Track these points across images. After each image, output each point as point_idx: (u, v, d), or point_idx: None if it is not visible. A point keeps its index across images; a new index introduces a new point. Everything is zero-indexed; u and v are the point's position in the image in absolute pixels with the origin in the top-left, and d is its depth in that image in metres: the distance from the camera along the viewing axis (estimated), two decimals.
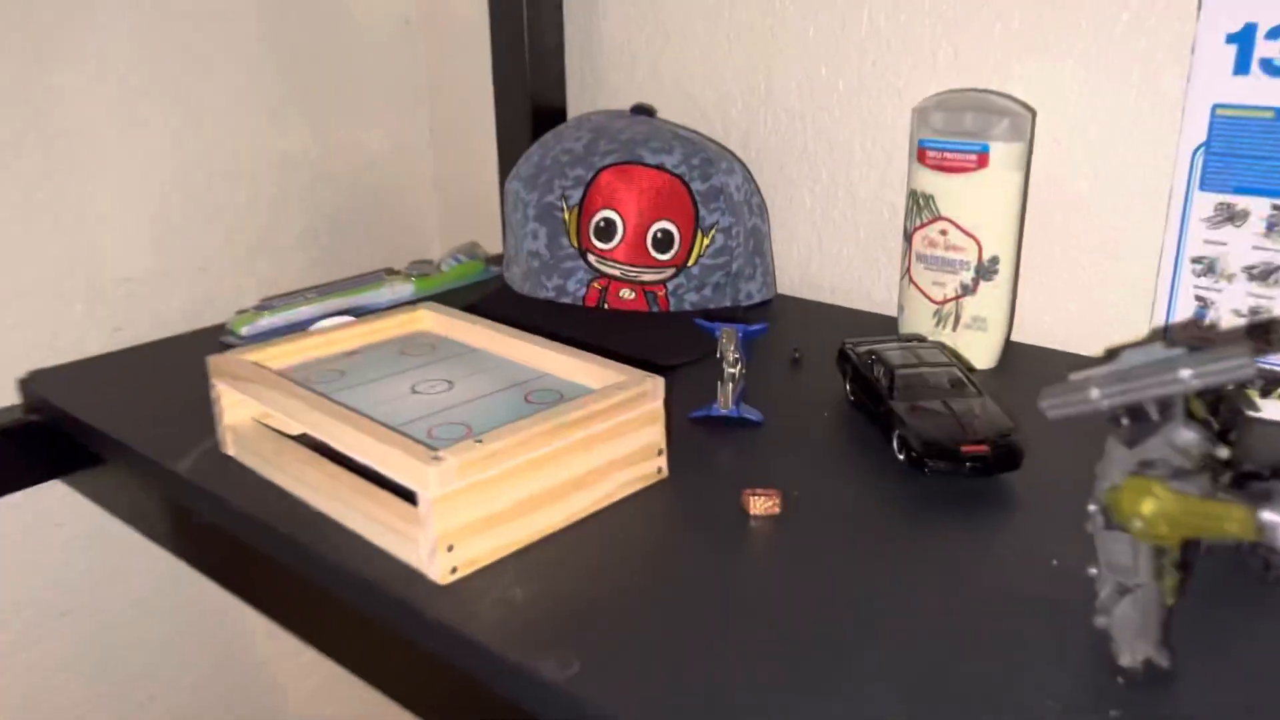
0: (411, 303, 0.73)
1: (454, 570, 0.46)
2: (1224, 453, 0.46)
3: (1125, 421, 0.36)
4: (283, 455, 0.54)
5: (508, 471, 0.47)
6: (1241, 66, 0.57)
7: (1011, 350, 0.72)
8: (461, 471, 0.45)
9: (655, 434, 0.54)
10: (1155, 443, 0.36)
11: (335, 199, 0.98)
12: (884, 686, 0.38)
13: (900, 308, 0.73)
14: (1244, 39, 0.57)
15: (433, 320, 0.66)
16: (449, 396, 0.55)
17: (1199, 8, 0.58)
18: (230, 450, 0.59)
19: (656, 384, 0.54)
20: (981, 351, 0.70)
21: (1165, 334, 0.63)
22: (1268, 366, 0.60)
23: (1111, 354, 0.37)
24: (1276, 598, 0.42)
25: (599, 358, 0.57)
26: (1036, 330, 0.75)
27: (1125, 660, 0.39)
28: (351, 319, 0.64)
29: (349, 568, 0.48)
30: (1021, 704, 0.37)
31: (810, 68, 0.82)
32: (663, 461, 0.55)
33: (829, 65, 0.81)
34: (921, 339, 0.63)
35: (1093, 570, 0.39)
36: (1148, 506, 0.34)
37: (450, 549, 0.46)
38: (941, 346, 0.62)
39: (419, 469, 0.45)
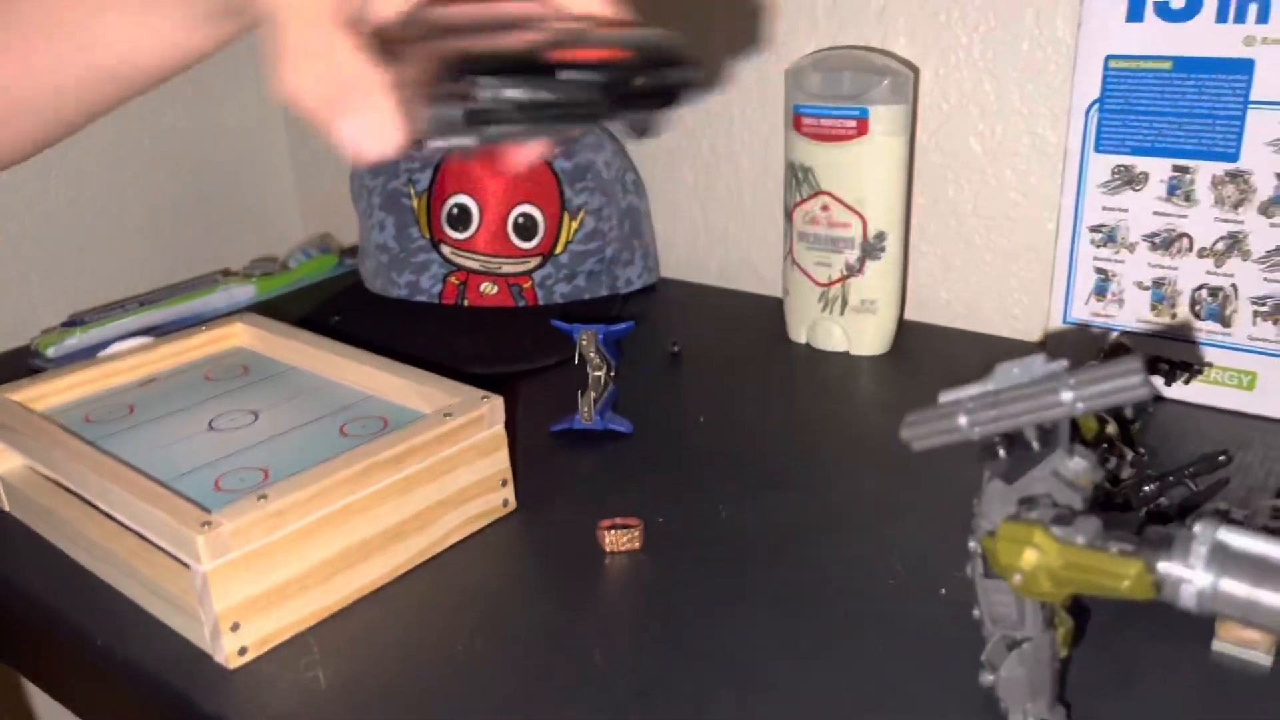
0: (260, 313, 0.64)
1: (242, 651, 0.39)
2: (1128, 457, 0.40)
3: (1002, 452, 0.30)
4: (58, 512, 0.46)
5: (303, 530, 0.40)
6: (1135, 13, 0.52)
7: (906, 330, 0.66)
8: (238, 537, 0.37)
9: (497, 463, 0.47)
10: (1038, 474, 0.30)
11: (175, 187, 0.88)
12: None
13: (785, 291, 0.67)
14: None
15: (248, 335, 0.57)
16: (250, 432, 0.47)
17: None
18: (4, 505, 0.50)
19: (495, 405, 0.46)
20: (872, 336, 0.64)
21: (1044, 346, 0.57)
22: (1172, 356, 0.55)
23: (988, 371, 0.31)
24: (1176, 628, 0.37)
25: (433, 375, 0.49)
26: (933, 308, 0.69)
27: None
28: (148, 340, 0.56)
29: (124, 650, 0.40)
30: None
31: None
32: (508, 492, 0.48)
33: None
34: None
35: (976, 613, 0.34)
36: (1028, 560, 0.29)
37: (235, 628, 0.38)
38: None
39: (187, 536, 0.37)
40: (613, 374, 0.55)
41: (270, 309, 0.73)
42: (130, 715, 0.42)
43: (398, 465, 0.43)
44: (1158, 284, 0.55)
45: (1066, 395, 0.28)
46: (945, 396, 0.31)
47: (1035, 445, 0.30)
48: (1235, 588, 0.26)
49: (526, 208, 0.70)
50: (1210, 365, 0.54)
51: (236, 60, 0.92)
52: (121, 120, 0.83)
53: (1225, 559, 0.26)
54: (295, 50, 0.27)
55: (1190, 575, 0.26)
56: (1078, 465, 0.30)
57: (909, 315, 0.68)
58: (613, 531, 0.45)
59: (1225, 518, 0.36)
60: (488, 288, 0.70)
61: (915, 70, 0.64)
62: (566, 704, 0.36)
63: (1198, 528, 0.27)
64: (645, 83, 0.28)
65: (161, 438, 0.47)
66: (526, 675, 0.37)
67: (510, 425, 0.48)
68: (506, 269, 0.71)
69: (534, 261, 0.71)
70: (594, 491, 0.49)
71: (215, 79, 0.90)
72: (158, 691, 0.39)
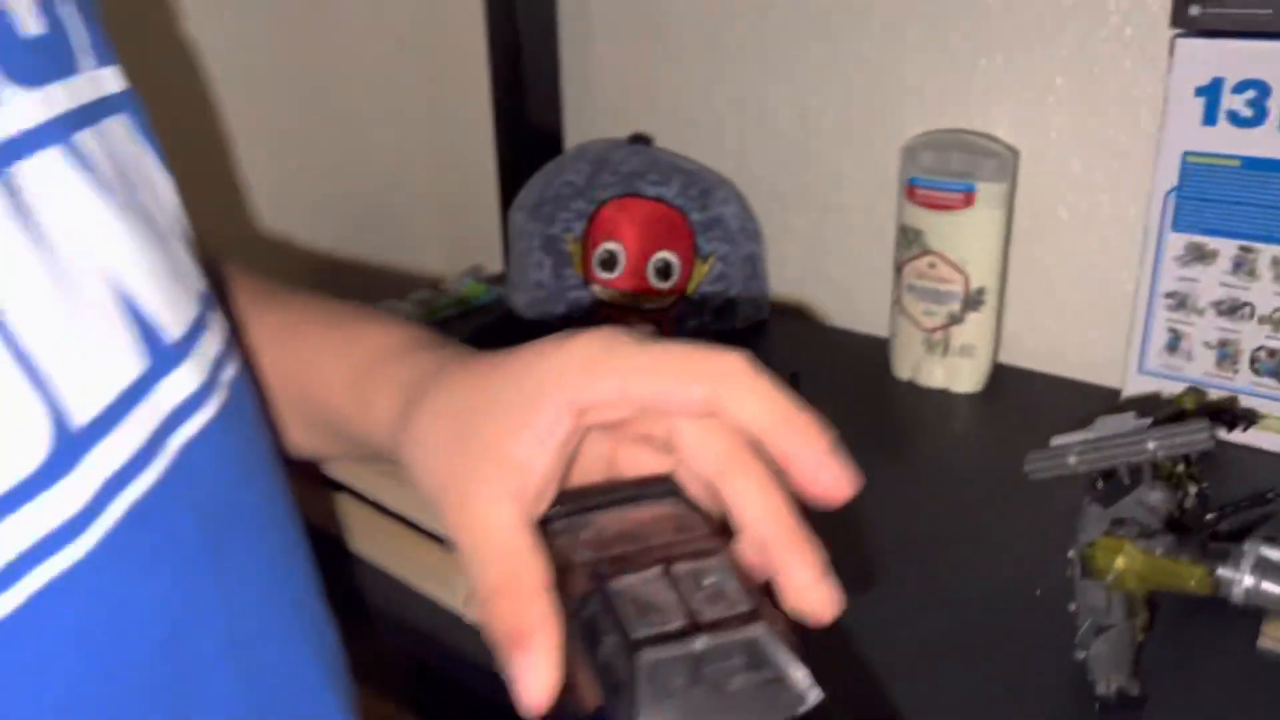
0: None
1: None
2: (1193, 490, 0.50)
3: (1100, 484, 0.41)
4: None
5: None
6: (1209, 118, 0.61)
7: (998, 372, 0.76)
8: None
9: None
10: (1127, 503, 0.40)
11: (336, 229, 1.01)
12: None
13: (892, 334, 0.77)
14: (1212, 92, 0.61)
15: None
16: None
17: (1170, 61, 0.62)
18: None
19: None
20: (969, 376, 0.74)
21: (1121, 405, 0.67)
22: (1231, 402, 0.64)
23: (1088, 422, 0.41)
24: (1230, 625, 0.47)
25: None
26: (1021, 352, 0.79)
27: (1101, 689, 0.43)
28: None
29: (399, 610, 0.52)
30: None
31: (802, 96, 0.85)
32: None
33: (819, 95, 0.84)
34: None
35: (1072, 606, 0.44)
36: (1119, 563, 0.39)
37: None
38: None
39: None
40: None
41: (438, 330, 0.85)
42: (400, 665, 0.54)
43: None
44: (1222, 344, 0.64)
45: (1150, 445, 0.38)
46: (1057, 440, 0.42)
47: (1126, 480, 0.40)
48: (1273, 588, 0.36)
49: (665, 254, 0.81)
50: (1264, 416, 0.63)
51: (389, 105, 1.05)
52: (285, 168, 0.96)
53: (1266, 567, 0.36)
54: (486, 584, 0.28)
55: (1239, 578, 0.36)
56: (1157, 496, 0.40)
57: (1002, 359, 0.78)
58: None
59: (1268, 539, 0.46)
60: (630, 321, 0.82)
61: (1016, 153, 0.74)
62: None
63: (1247, 544, 0.37)
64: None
65: None
66: None
67: None
68: (646, 306, 0.82)
69: (670, 300, 0.82)
70: None
71: (374, 127, 1.03)
72: (426, 643, 0.50)
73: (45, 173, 0.26)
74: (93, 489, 0.24)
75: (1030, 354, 0.78)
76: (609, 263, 0.82)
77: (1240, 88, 0.60)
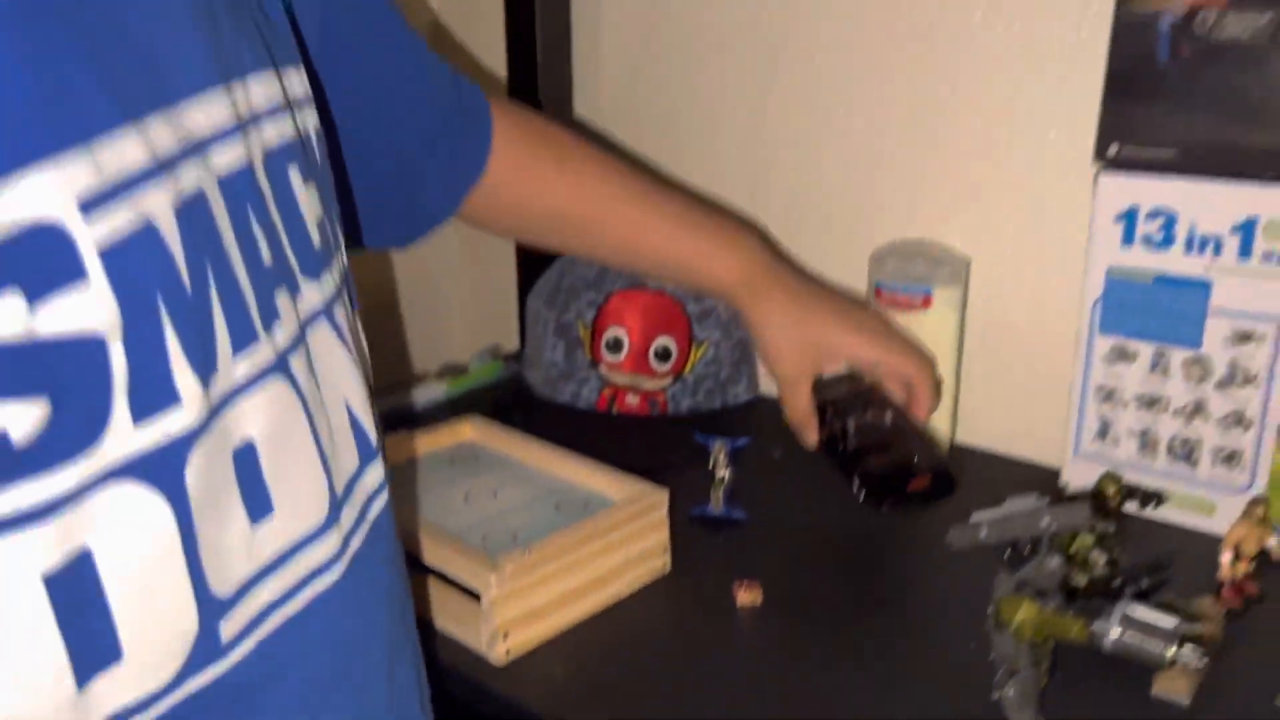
0: (448, 408, 0.86)
1: (508, 653, 0.59)
2: (1102, 560, 0.60)
3: (1008, 553, 0.50)
4: None
5: (549, 573, 0.61)
6: (1128, 239, 0.72)
7: (957, 452, 0.86)
8: (514, 576, 0.59)
9: (661, 537, 0.68)
10: (1029, 569, 0.50)
11: (368, 306, 1.12)
12: None
13: None
14: (1129, 218, 0.72)
15: (475, 432, 0.79)
16: (494, 505, 0.69)
17: (1095, 190, 0.73)
18: None
19: (662, 496, 0.67)
20: None
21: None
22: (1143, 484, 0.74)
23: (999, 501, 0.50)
24: (1129, 676, 0.56)
25: (615, 470, 0.70)
26: (974, 432, 0.89)
27: None
28: (403, 432, 0.78)
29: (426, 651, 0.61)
30: None
31: (786, 206, 0.96)
32: (667, 558, 0.69)
33: (800, 207, 0.95)
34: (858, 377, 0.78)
35: (991, 656, 0.53)
36: (1019, 617, 0.48)
37: (505, 636, 0.59)
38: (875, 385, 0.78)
39: (483, 574, 0.58)
40: (732, 475, 0.76)
41: (459, 405, 0.96)
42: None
43: (604, 534, 0.64)
44: (1143, 433, 0.74)
45: (1044, 521, 0.48)
46: (975, 517, 0.51)
47: (1027, 550, 0.50)
48: (1135, 639, 0.45)
49: (665, 339, 0.92)
50: (1173, 495, 0.72)
51: None
52: None
53: (1131, 622, 0.46)
54: (789, 396, 0.76)
55: (1109, 630, 0.46)
56: (1054, 563, 0.50)
57: (960, 439, 0.88)
58: (743, 590, 0.65)
59: (1137, 597, 0.55)
60: (632, 399, 0.92)
61: (968, 261, 0.85)
62: (708, 703, 0.56)
63: (1120, 603, 0.46)
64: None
65: (434, 507, 0.69)
66: (685, 682, 0.58)
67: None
68: (647, 385, 0.92)
69: (668, 380, 0.92)
70: (724, 561, 0.70)
71: None
72: (454, 680, 0.60)
73: (321, 337, 0.40)
74: (344, 532, 0.39)
75: (986, 436, 0.88)
76: (615, 346, 0.92)
77: (1152, 215, 0.71)
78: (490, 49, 1.11)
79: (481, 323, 1.22)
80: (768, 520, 0.75)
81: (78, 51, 0.29)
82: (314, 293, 0.40)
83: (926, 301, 0.81)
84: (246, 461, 0.34)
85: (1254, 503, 0.66)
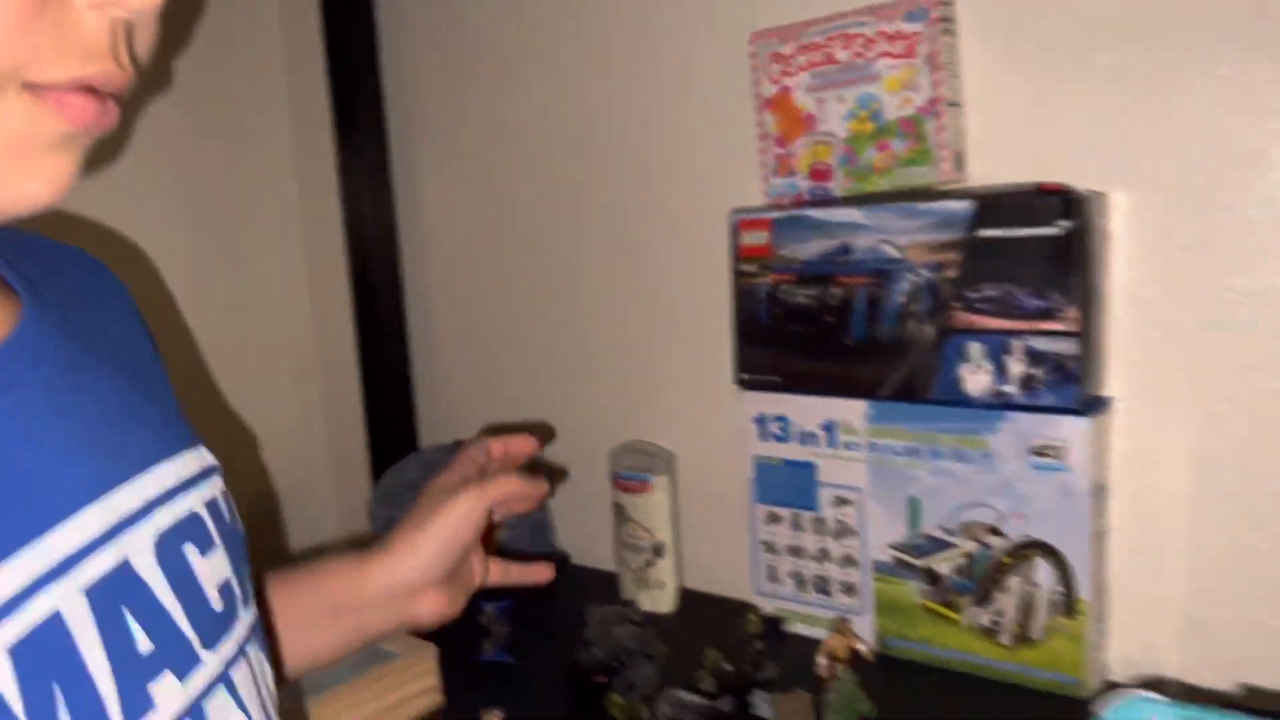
0: None
1: None
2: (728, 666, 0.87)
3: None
4: None
5: (342, 711, 0.86)
6: (763, 435, 1.02)
7: (686, 594, 1.13)
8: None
9: (433, 680, 0.94)
10: (625, 674, 0.77)
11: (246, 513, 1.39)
12: None
13: (619, 571, 1.15)
14: (761, 421, 1.02)
15: None
16: None
17: (740, 398, 1.03)
18: None
19: (433, 650, 0.93)
20: (664, 599, 1.11)
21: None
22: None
23: None
24: None
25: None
26: (700, 581, 1.16)
27: None
28: None
29: None
30: None
31: (560, 420, 1.26)
32: (439, 695, 0.94)
33: (570, 411, 1.25)
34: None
35: None
36: (614, 707, 0.75)
37: None
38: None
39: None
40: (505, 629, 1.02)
41: None
42: None
43: (383, 677, 0.89)
44: (796, 574, 1.02)
45: (615, 631, 0.75)
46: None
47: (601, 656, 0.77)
48: (674, 713, 0.72)
49: None
50: (792, 618, 1.00)
51: (298, 417, 1.45)
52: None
53: (675, 702, 0.72)
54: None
55: (660, 710, 0.72)
56: (647, 670, 0.76)
57: (689, 585, 1.15)
58: (491, 716, 0.91)
59: (688, 688, 0.81)
60: None
61: (675, 456, 1.15)
62: None
63: (670, 691, 0.73)
64: None
65: None
66: None
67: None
68: None
69: None
70: (488, 693, 0.95)
71: (286, 437, 1.43)
72: None
73: (219, 708, 0.41)
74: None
75: (705, 581, 1.15)
76: None
77: (774, 419, 1.01)
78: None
79: (350, 517, 1.49)
80: (525, 661, 1.01)
81: None
82: (213, 661, 0.41)
83: (647, 487, 1.09)
84: None
85: (840, 621, 0.94)
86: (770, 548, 1.04)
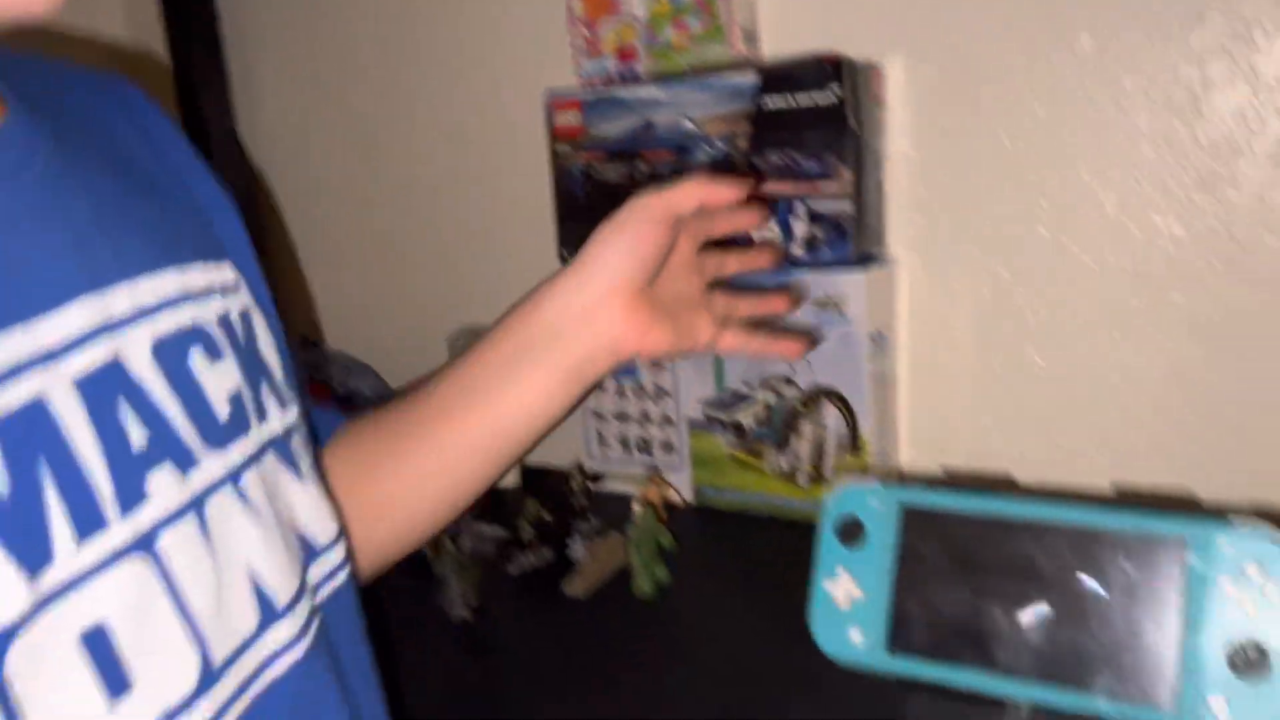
0: None
1: None
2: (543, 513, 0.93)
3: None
4: None
5: None
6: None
7: (523, 471, 1.19)
8: None
9: None
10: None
11: None
12: None
13: None
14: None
15: None
16: None
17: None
18: None
19: None
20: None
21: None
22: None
23: None
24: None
25: None
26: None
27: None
28: None
29: None
30: None
31: (402, 307, 1.30)
32: None
33: (408, 300, 1.29)
34: None
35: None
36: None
37: None
38: None
39: None
40: None
41: None
42: None
43: None
44: (622, 439, 1.09)
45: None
46: None
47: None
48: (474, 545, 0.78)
49: None
50: (605, 476, 1.07)
51: None
52: None
53: (470, 533, 0.78)
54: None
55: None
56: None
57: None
58: None
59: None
60: None
61: None
62: None
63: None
64: None
65: None
66: None
67: None
68: None
69: None
70: None
71: None
72: None
73: (221, 507, 0.40)
74: (219, 702, 0.38)
75: (541, 454, 1.22)
76: None
77: None
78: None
79: None
80: None
81: None
82: (216, 464, 0.41)
83: None
84: (97, 643, 0.34)
85: (651, 471, 1.01)
86: (599, 415, 1.10)
